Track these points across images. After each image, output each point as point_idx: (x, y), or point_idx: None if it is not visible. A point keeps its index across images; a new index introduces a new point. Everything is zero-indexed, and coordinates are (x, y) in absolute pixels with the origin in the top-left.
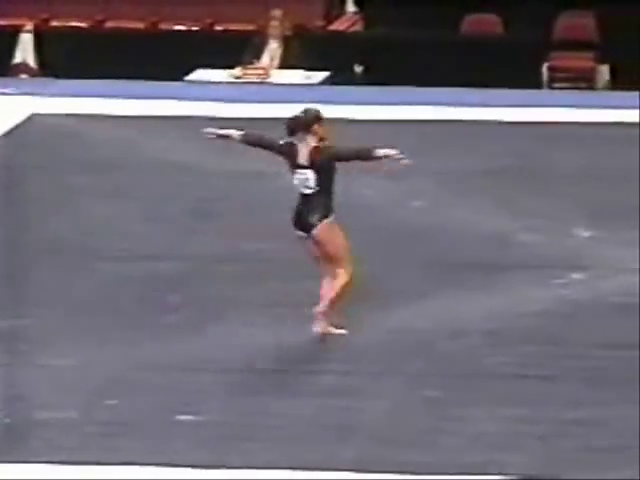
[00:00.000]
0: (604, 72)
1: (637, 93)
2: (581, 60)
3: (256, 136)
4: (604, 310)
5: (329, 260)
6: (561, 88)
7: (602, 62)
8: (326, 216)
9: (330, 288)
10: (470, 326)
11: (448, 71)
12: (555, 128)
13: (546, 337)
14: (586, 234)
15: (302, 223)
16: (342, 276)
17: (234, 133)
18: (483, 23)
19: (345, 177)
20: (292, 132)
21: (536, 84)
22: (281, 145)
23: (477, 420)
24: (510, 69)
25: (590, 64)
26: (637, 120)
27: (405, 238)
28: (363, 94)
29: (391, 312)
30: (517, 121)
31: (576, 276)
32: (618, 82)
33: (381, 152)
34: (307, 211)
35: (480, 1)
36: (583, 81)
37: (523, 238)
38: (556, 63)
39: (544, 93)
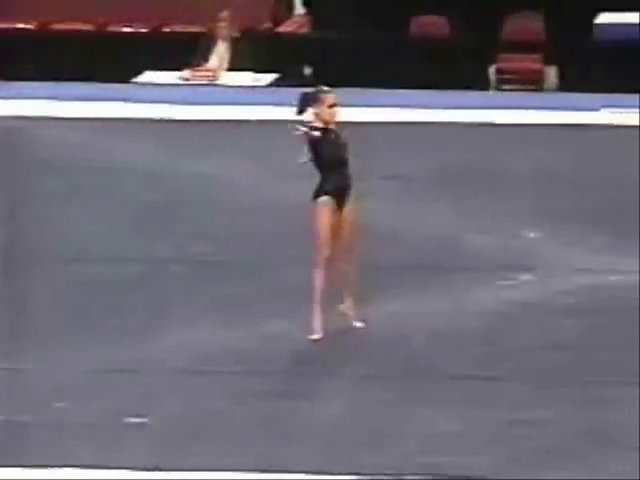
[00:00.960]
0: (552, 74)
1: (585, 95)
2: (529, 62)
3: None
4: (552, 311)
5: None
6: (509, 90)
7: (550, 64)
8: (316, 196)
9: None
10: (420, 328)
11: (396, 73)
12: (503, 130)
13: (495, 338)
14: (534, 235)
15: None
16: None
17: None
18: (431, 25)
19: (295, 178)
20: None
21: (484, 86)
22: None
23: (427, 422)
24: (458, 71)
25: (538, 66)
26: (584, 121)
27: (357, 240)
28: None
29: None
30: (466, 122)
31: (524, 277)
32: (566, 84)
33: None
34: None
35: (428, 3)
36: (531, 83)
37: (471, 239)
38: (504, 65)
39: (492, 95)
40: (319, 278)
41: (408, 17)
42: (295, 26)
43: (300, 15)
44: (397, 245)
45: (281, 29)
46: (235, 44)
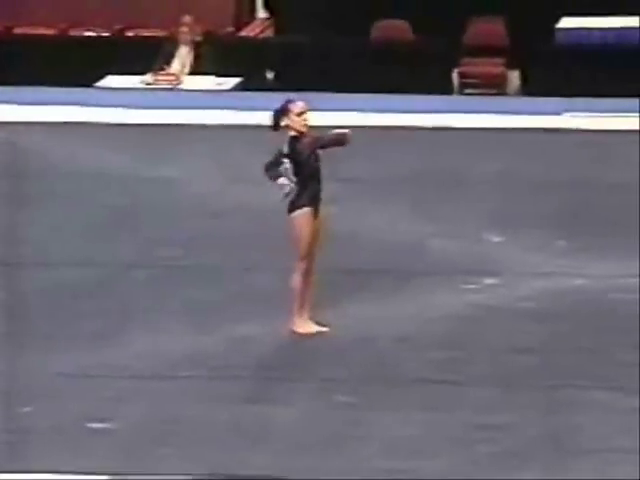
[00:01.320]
0: (514, 78)
1: (547, 99)
2: (491, 66)
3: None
4: (515, 315)
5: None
6: (472, 94)
7: (512, 68)
8: (296, 207)
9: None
10: (383, 332)
11: (359, 77)
12: (466, 134)
13: (458, 342)
14: (499, 239)
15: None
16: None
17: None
18: (393, 29)
19: (260, 184)
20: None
21: (447, 90)
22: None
23: (390, 425)
24: (420, 75)
25: (500, 70)
26: (547, 125)
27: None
28: (275, 100)
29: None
30: (429, 126)
31: (488, 281)
32: (528, 88)
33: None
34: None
35: (391, 7)
36: (493, 87)
37: (436, 244)
38: (466, 69)
39: (455, 99)
40: (299, 284)
41: (371, 21)
42: (258, 30)
43: (262, 19)
44: (360, 249)
45: (244, 33)
46: (197, 48)
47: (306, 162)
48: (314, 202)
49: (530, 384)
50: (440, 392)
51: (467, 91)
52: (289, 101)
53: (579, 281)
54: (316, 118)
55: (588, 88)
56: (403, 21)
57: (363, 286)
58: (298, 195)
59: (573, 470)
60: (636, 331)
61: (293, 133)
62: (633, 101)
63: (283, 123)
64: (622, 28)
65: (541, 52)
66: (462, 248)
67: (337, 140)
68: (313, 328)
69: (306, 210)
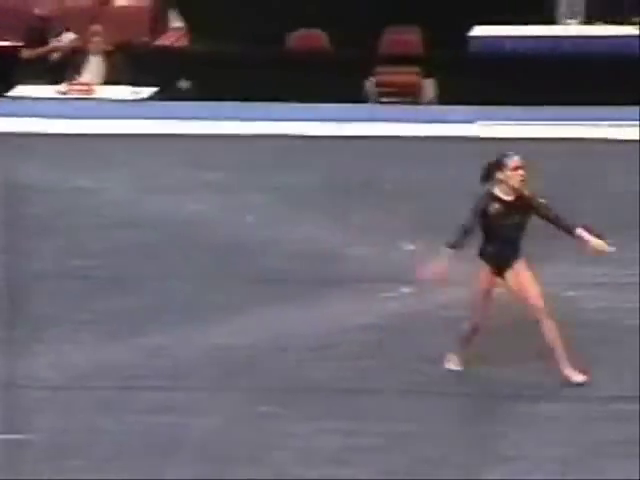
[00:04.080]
0: (429, 86)
1: (461, 107)
2: (406, 75)
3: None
4: (433, 323)
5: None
6: (387, 103)
7: (427, 77)
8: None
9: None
10: (300, 341)
11: (274, 87)
12: (381, 143)
13: (375, 351)
14: (414, 248)
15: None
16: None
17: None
18: (309, 39)
19: (175, 190)
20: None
21: (362, 99)
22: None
23: (308, 435)
24: (337, 84)
25: (415, 79)
26: (461, 134)
27: (236, 253)
28: (190, 109)
29: (220, 328)
30: (344, 135)
31: (405, 290)
32: (443, 96)
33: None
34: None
35: (307, 17)
36: (408, 96)
37: (353, 252)
38: (382, 78)
39: (371, 108)
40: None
41: (287, 31)
42: (173, 39)
43: (177, 28)
44: (277, 258)
45: (159, 42)
46: (109, 58)
47: (497, 228)
48: (493, 260)
49: (447, 392)
50: (359, 401)
51: (382, 100)
52: (504, 155)
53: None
54: (233, 128)
55: (502, 96)
56: (319, 31)
57: (281, 295)
58: (481, 243)
59: (493, 478)
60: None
61: (496, 191)
62: (546, 110)
63: (496, 177)
64: (535, 37)
65: (455, 61)
66: (379, 257)
67: (559, 222)
68: None
69: (481, 264)
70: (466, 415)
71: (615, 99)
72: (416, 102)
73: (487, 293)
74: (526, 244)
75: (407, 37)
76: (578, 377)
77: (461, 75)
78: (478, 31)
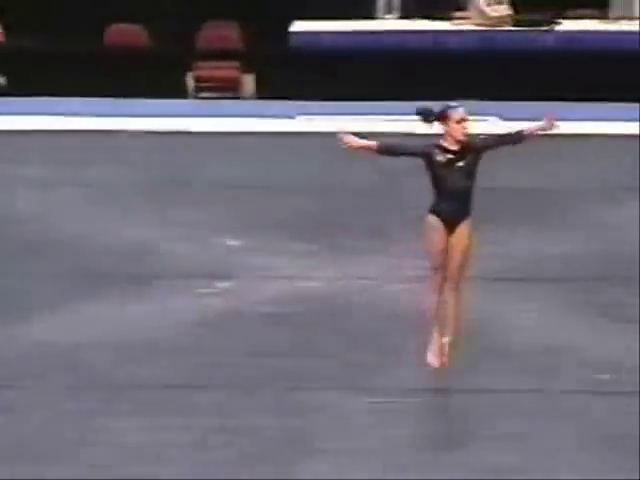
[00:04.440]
0: (249, 82)
1: (281, 102)
2: (226, 70)
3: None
4: (252, 319)
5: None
6: (207, 98)
7: (247, 72)
8: (428, 212)
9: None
10: (118, 337)
11: (92, 82)
12: (201, 138)
13: (193, 346)
14: (235, 243)
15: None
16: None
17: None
18: (127, 34)
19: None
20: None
21: (183, 94)
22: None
23: (128, 431)
24: (156, 80)
25: (235, 74)
26: (282, 129)
27: (50, 249)
28: (5, 105)
29: (33, 325)
30: (164, 131)
31: (224, 285)
32: (263, 91)
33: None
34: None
35: (124, 12)
36: (228, 90)
37: (171, 248)
38: (201, 73)
39: (191, 103)
40: (433, 303)
41: (104, 26)
42: None
43: None
44: (94, 254)
45: None
46: None
47: (443, 177)
48: (446, 216)
49: (267, 387)
50: (178, 397)
51: (202, 95)
52: (449, 107)
53: (314, 284)
54: (47, 123)
55: (322, 91)
56: (137, 26)
57: (97, 291)
58: (434, 201)
59: (309, 471)
60: (367, 332)
61: (447, 143)
62: (364, 104)
63: (439, 128)
64: (354, 32)
65: (275, 56)
66: (199, 252)
67: (511, 139)
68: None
69: (432, 218)
70: (284, 408)
71: (430, 93)
72: (236, 97)
73: (445, 251)
74: (345, 239)
75: (226, 32)
76: (436, 361)
77: (281, 70)
78: (298, 26)
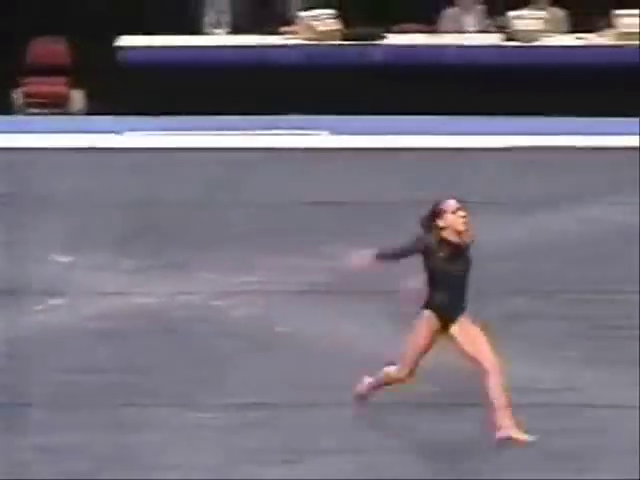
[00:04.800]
0: (78, 97)
1: (110, 118)
2: (55, 86)
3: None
4: (82, 335)
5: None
6: (35, 114)
7: (76, 87)
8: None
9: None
10: None
11: None
12: (30, 154)
13: (23, 364)
14: (65, 259)
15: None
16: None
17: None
18: None
19: None
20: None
21: (11, 110)
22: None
23: None
24: None
25: (64, 89)
26: (108, 145)
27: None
28: None
29: None
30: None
31: (54, 302)
32: (92, 106)
33: None
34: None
35: None
36: (57, 106)
37: (1, 265)
38: (30, 89)
39: (20, 119)
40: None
41: None
42: None
43: None
44: None
45: None
46: None
47: (441, 267)
48: (440, 311)
49: (97, 403)
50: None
51: (30, 111)
52: (438, 202)
53: (144, 299)
54: None
55: (151, 106)
56: None
57: None
58: (428, 294)
59: None
60: (197, 347)
61: (445, 234)
62: (195, 119)
63: (439, 224)
64: (182, 47)
65: (103, 71)
66: (28, 269)
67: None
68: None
69: (426, 313)
70: (115, 425)
71: (260, 108)
72: (65, 113)
73: (426, 347)
74: (172, 252)
75: (54, 47)
76: (523, 436)
77: (109, 85)
78: (125, 41)
